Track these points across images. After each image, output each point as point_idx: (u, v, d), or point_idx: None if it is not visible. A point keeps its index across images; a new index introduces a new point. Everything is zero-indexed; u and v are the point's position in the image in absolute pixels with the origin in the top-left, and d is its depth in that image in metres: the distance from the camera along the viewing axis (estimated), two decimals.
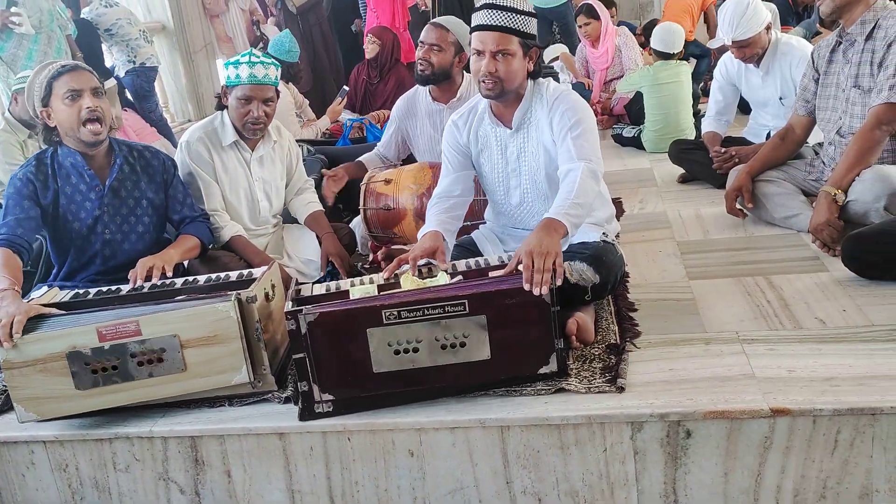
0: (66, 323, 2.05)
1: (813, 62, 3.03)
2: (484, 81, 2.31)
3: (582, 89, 5.80)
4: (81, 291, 2.33)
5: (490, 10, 2.26)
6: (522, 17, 2.28)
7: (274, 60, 2.91)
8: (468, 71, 3.25)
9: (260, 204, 3.03)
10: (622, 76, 5.66)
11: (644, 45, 6.45)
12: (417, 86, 3.41)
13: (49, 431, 2.16)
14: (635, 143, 4.93)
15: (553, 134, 2.36)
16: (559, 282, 1.95)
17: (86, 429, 2.15)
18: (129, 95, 5.58)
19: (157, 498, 2.19)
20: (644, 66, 5.34)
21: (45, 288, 2.39)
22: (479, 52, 2.30)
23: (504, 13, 2.26)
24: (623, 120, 5.33)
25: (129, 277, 2.37)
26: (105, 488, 2.20)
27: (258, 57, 2.84)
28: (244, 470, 2.12)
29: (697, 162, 3.87)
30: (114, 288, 2.34)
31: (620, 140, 5.07)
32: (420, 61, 3.21)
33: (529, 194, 2.49)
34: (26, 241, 2.39)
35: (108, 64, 5.63)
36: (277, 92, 2.93)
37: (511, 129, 2.43)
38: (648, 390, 1.95)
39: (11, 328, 1.99)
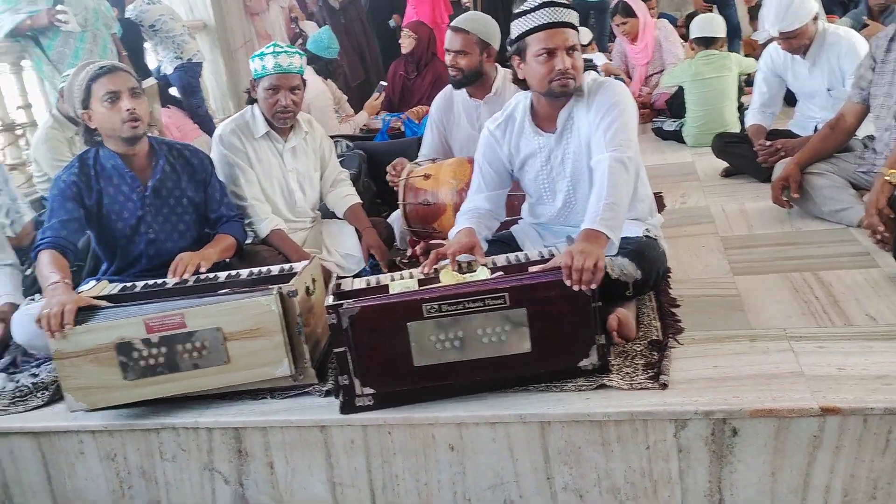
0: (115, 315, 2.10)
1: (871, 51, 2.97)
2: (560, 79, 2.24)
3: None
4: (129, 284, 2.37)
5: (553, 8, 2.22)
6: (574, 12, 2.28)
7: (297, 49, 2.96)
8: (501, 64, 3.26)
9: (295, 194, 3.07)
10: (663, 71, 5.57)
11: (686, 37, 6.34)
12: None
13: (98, 421, 2.21)
14: (676, 136, 4.86)
15: (591, 126, 2.31)
16: (594, 285, 1.92)
17: (133, 419, 2.20)
18: (173, 92, 5.67)
19: (202, 488, 2.22)
20: (686, 59, 5.25)
21: (93, 282, 2.44)
22: (549, 51, 2.22)
23: (565, 9, 2.23)
24: (664, 113, 5.25)
25: (169, 272, 2.41)
26: (152, 478, 2.24)
27: (282, 47, 2.89)
28: (286, 461, 2.15)
29: (741, 155, 3.79)
30: (160, 281, 2.38)
31: (661, 134, 5.00)
32: (450, 68, 3.19)
33: (575, 196, 2.44)
34: (71, 242, 2.44)
35: (150, 63, 5.72)
36: (303, 80, 2.97)
37: (555, 133, 2.38)
38: (692, 387, 1.92)
39: (62, 318, 2.04)
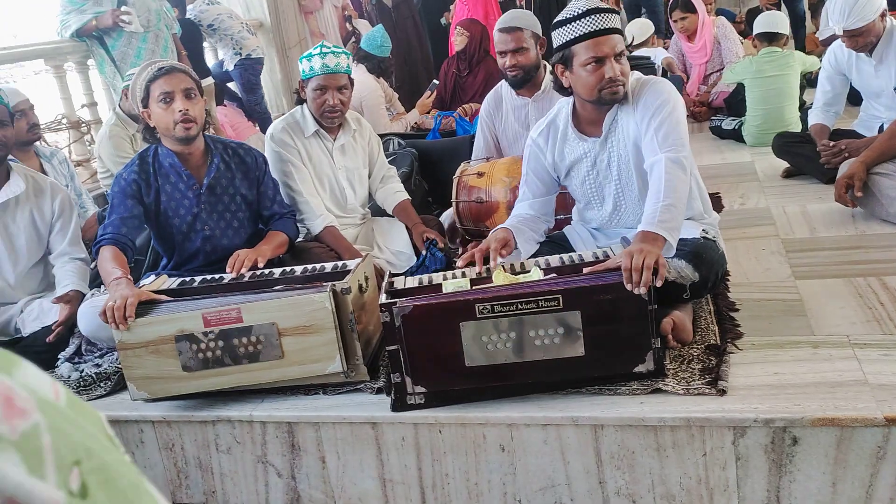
0: (175, 308, 2.15)
1: None
2: (610, 87, 2.20)
3: (679, 83, 5.61)
4: (188, 279, 2.43)
5: (599, 15, 2.17)
6: (617, 16, 2.24)
7: (344, 49, 3.00)
8: (544, 58, 3.23)
9: (345, 192, 3.10)
10: (722, 69, 5.45)
11: (744, 33, 6.19)
12: (502, 81, 3.38)
13: (157, 412, 2.27)
14: (735, 135, 4.75)
15: (638, 126, 2.27)
16: (659, 283, 1.89)
17: (191, 410, 2.25)
18: (233, 89, 5.77)
19: (255, 480, 2.26)
20: (747, 56, 5.13)
21: (153, 276, 2.50)
22: (598, 60, 2.18)
23: (609, 14, 2.19)
24: (722, 112, 5.14)
25: (227, 266, 2.46)
26: (208, 468, 2.29)
27: (329, 48, 2.93)
28: (338, 457, 2.17)
29: (804, 156, 3.69)
30: (217, 276, 2.43)
31: (719, 132, 4.89)
32: (510, 69, 3.14)
33: (624, 198, 2.40)
34: (130, 239, 2.51)
35: (209, 63, 5.83)
36: (351, 80, 3.01)
37: (599, 137, 2.34)
38: (752, 394, 1.88)
39: (125, 311, 2.09)
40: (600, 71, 2.19)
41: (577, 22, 2.19)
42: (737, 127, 4.73)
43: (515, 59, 3.11)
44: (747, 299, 2.42)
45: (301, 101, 3.06)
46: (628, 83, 2.26)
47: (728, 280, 2.54)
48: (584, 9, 2.20)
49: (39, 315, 2.73)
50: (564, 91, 2.34)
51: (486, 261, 2.20)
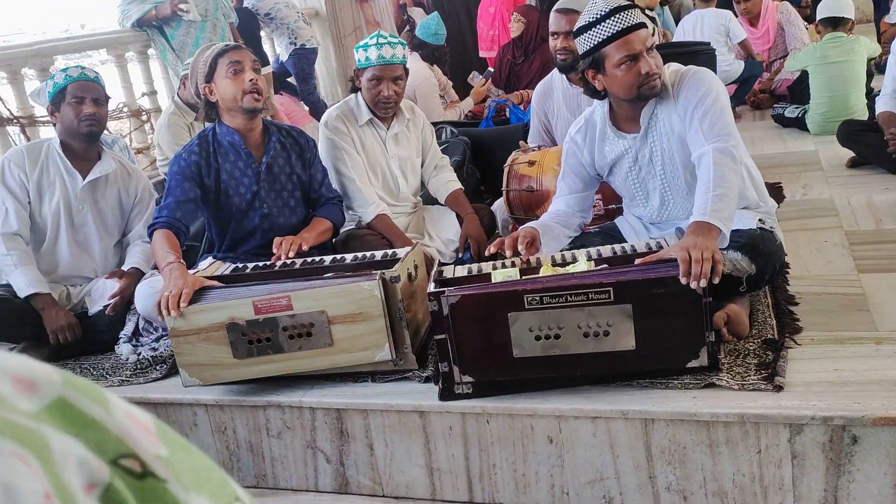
0: (226, 295, 2.18)
1: None
2: (648, 82, 2.15)
3: (759, 69, 5.42)
4: (240, 266, 2.46)
5: (622, 13, 2.13)
6: (639, 9, 2.20)
7: (400, 40, 2.99)
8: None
9: (398, 180, 3.11)
10: (786, 56, 5.27)
11: (810, 18, 5.98)
12: (554, 70, 3.33)
13: (210, 396, 2.31)
14: (798, 123, 4.59)
15: (682, 119, 2.21)
16: (716, 280, 1.83)
17: (243, 395, 2.28)
18: (288, 79, 5.83)
19: (305, 465, 2.29)
20: (811, 42, 4.95)
21: (210, 259, 2.55)
22: (632, 57, 2.13)
23: (632, 10, 2.15)
24: (785, 99, 4.97)
25: (273, 248, 2.51)
26: (259, 452, 2.33)
27: (385, 38, 2.93)
28: (386, 444, 2.18)
29: (870, 144, 3.55)
30: (269, 263, 2.46)
31: (782, 121, 4.74)
32: (560, 52, 3.09)
33: (670, 193, 2.34)
34: (184, 223, 2.56)
35: (266, 52, 5.90)
36: (406, 69, 3.01)
37: (639, 133, 2.29)
38: (810, 391, 1.82)
39: (179, 300, 2.13)
40: (636, 68, 2.14)
41: (603, 24, 2.14)
42: (800, 115, 4.58)
43: (567, 43, 3.05)
44: (807, 293, 2.34)
45: (356, 90, 3.07)
46: (664, 74, 2.20)
47: (787, 272, 2.47)
48: (607, 9, 2.14)
49: (104, 294, 2.82)
50: (598, 95, 2.30)
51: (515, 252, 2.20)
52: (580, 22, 2.22)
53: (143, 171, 3.94)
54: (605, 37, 2.15)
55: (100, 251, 2.95)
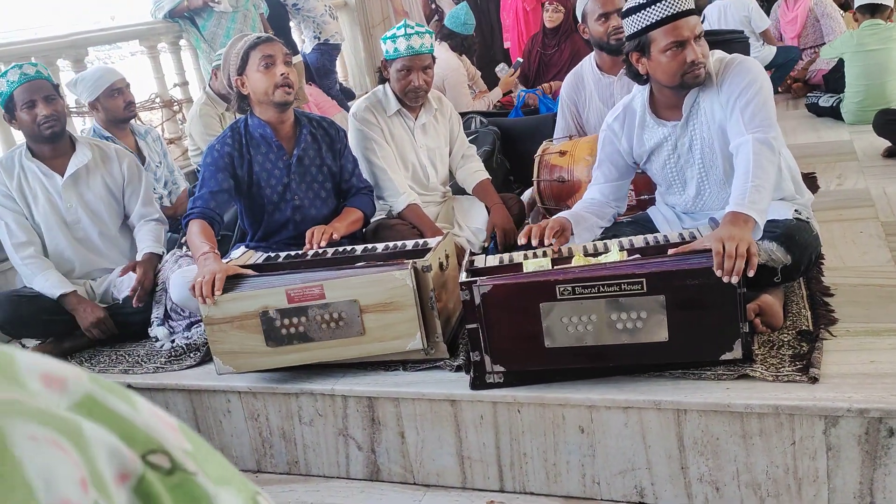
0: (259, 284, 2.21)
1: None
2: (692, 71, 2.12)
3: (796, 55, 5.32)
4: (272, 255, 2.49)
5: None
6: None
7: (427, 28, 2.99)
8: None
9: (427, 170, 3.12)
10: (818, 46, 5.18)
11: (845, 6, 5.87)
12: (584, 60, 3.30)
13: (243, 383, 2.34)
14: (833, 113, 4.52)
15: (724, 108, 2.17)
16: (751, 272, 1.81)
17: (275, 383, 2.31)
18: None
19: (336, 452, 2.32)
20: (848, 30, 4.86)
21: (242, 248, 2.58)
22: (679, 44, 2.10)
23: None
24: (820, 88, 4.89)
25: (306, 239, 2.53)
26: (291, 439, 2.36)
27: (412, 28, 2.93)
28: (417, 432, 2.19)
29: None
30: (301, 252, 2.48)
31: (816, 110, 4.67)
32: (615, 31, 3.01)
33: (707, 183, 2.32)
34: (218, 213, 2.59)
35: (295, 43, 5.92)
36: (433, 58, 3.02)
37: (680, 121, 2.26)
38: (845, 383, 1.80)
39: (213, 287, 2.16)
40: (682, 55, 2.11)
41: (653, 7, 2.11)
42: (835, 104, 4.51)
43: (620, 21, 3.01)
44: (843, 284, 2.31)
45: (383, 80, 3.08)
46: (709, 63, 2.17)
47: (822, 263, 2.44)
48: None
49: (131, 282, 2.85)
50: (640, 79, 2.27)
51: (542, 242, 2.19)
52: (630, 3, 2.19)
53: (175, 161, 4.00)
54: (653, 21, 2.12)
55: (104, 243, 2.92)
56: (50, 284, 2.73)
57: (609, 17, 3.04)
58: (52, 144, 2.81)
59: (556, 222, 2.24)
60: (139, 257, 2.86)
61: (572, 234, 2.28)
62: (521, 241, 2.23)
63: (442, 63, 4.67)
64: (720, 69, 2.19)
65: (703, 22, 5.75)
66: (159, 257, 2.88)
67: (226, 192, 2.62)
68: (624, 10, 2.22)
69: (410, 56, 2.91)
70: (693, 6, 2.12)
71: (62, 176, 2.82)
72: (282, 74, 2.54)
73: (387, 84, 3.06)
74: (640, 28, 2.15)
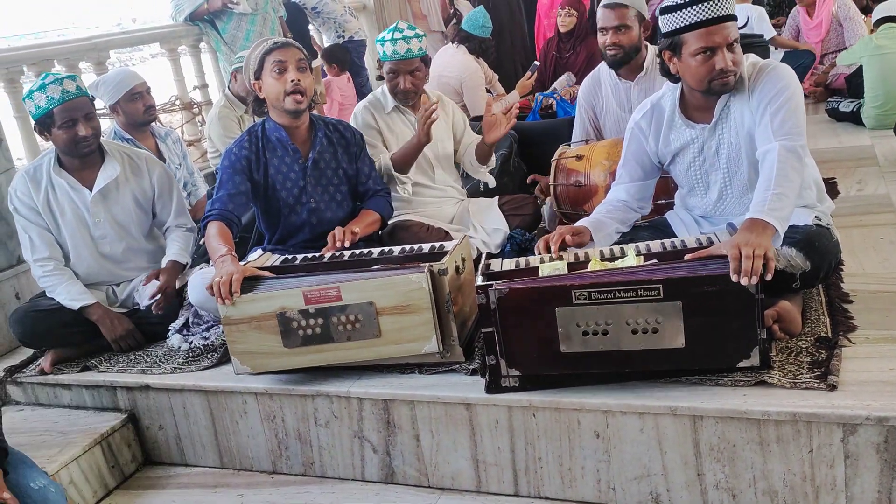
0: (277, 285, 2.22)
1: None
2: (721, 78, 2.10)
3: (810, 59, 5.28)
4: (290, 257, 2.51)
5: (713, 3, 2.05)
6: (733, 1, 2.10)
7: (417, 32, 3.02)
8: (650, 42, 3.11)
9: (431, 161, 3.15)
10: (840, 50, 5.13)
11: (865, 9, 5.82)
12: (601, 63, 3.30)
13: (260, 384, 2.36)
14: (853, 118, 4.48)
15: (753, 114, 2.15)
16: (768, 277, 1.80)
17: (292, 384, 2.33)
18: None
19: (352, 454, 2.33)
20: (867, 35, 4.82)
21: (259, 251, 2.60)
22: (710, 50, 2.07)
23: (726, 1, 2.06)
24: (840, 93, 4.85)
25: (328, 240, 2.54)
26: (307, 440, 2.37)
27: (401, 32, 2.98)
28: (432, 436, 2.20)
29: None
30: (317, 255, 2.49)
31: (836, 115, 4.63)
32: (610, 47, 3.06)
33: (730, 188, 2.30)
34: (236, 215, 2.60)
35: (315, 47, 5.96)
36: (426, 59, 3.07)
37: (709, 124, 2.24)
38: (864, 390, 1.78)
39: (231, 287, 2.18)
40: (711, 62, 2.09)
41: (689, 9, 2.07)
42: (855, 109, 4.47)
43: (616, 38, 3.02)
44: (862, 291, 2.29)
45: (382, 78, 3.15)
46: (741, 70, 2.14)
47: (842, 270, 2.42)
48: None
49: (153, 290, 2.87)
50: (671, 77, 2.25)
51: (562, 247, 2.19)
52: (667, 1, 2.16)
53: (195, 163, 4.03)
54: (687, 23, 2.09)
55: (129, 255, 2.90)
56: (70, 297, 2.73)
57: (605, 31, 3.06)
58: (84, 158, 2.78)
59: (573, 230, 2.23)
60: (163, 265, 2.84)
61: (591, 240, 2.27)
62: (539, 251, 2.22)
63: (459, 66, 4.68)
64: (753, 74, 2.16)
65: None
66: (183, 266, 2.88)
67: (243, 195, 2.64)
68: (661, 7, 2.20)
69: (397, 60, 2.97)
70: (731, 12, 2.09)
71: (90, 190, 2.78)
72: (293, 81, 2.56)
73: (384, 83, 3.12)
74: (673, 28, 2.13)
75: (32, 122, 2.76)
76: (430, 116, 2.84)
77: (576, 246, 2.21)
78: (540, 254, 2.21)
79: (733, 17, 2.09)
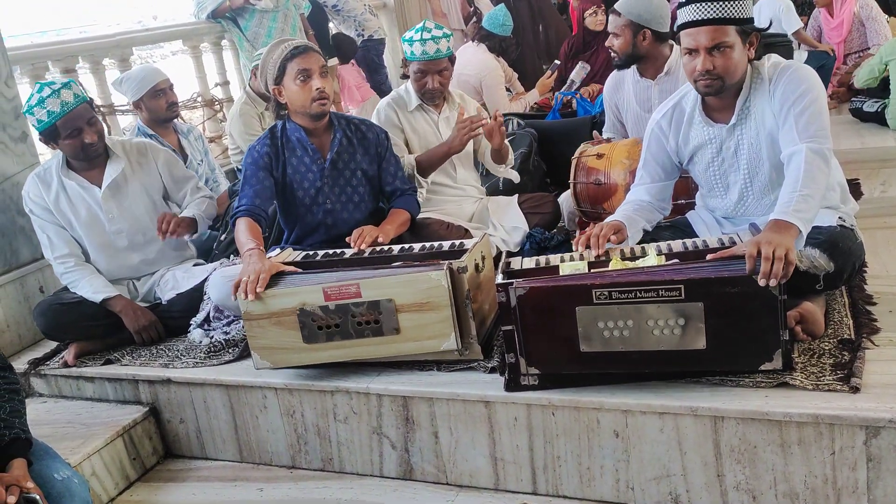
0: (298, 281, 2.23)
1: None
2: (700, 80, 2.12)
3: (830, 60, 5.23)
4: (311, 253, 2.52)
5: (700, 4, 2.06)
6: (736, 1, 2.07)
7: (445, 32, 3.02)
8: (678, 43, 3.10)
9: (453, 161, 3.14)
10: (863, 51, 5.07)
11: (891, 11, 5.75)
12: None
13: (280, 379, 2.38)
14: (877, 118, 4.42)
15: (776, 116, 2.14)
16: (784, 279, 1.79)
17: (311, 380, 2.34)
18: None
19: (370, 450, 2.34)
20: (894, 37, 4.76)
21: (278, 249, 2.61)
22: (691, 51, 2.11)
23: (715, 3, 2.05)
24: (863, 93, 4.79)
25: (350, 241, 2.53)
26: (326, 436, 2.39)
27: (430, 32, 2.97)
28: (450, 433, 2.20)
29: None
30: (338, 251, 2.50)
31: (860, 115, 4.57)
32: (610, 50, 3.15)
33: (751, 189, 2.28)
34: (263, 210, 2.62)
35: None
36: (453, 59, 3.07)
37: (728, 124, 2.23)
38: (888, 393, 1.77)
39: (257, 283, 2.19)
40: (692, 63, 2.11)
41: (686, 7, 2.11)
42: (879, 109, 4.41)
43: (610, 42, 3.11)
44: (886, 293, 2.27)
45: (406, 77, 3.15)
46: (733, 75, 2.11)
47: (865, 272, 2.40)
48: None
49: (174, 285, 2.89)
50: None
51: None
52: None
53: (216, 160, 4.05)
54: (681, 21, 2.13)
55: (147, 248, 2.92)
56: (93, 290, 2.77)
57: (607, 34, 3.13)
58: (92, 160, 2.81)
59: (610, 227, 2.21)
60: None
61: (626, 236, 2.26)
62: (579, 249, 2.18)
63: (479, 64, 4.68)
64: (775, 75, 2.15)
65: None
66: (196, 224, 2.89)
67: (268, 190, 2.67)
68: (678, 2, 2.21)
69: (426, 61, 2.98)
70: (721, 15, 2.06)
71: (100, 187, 2.81)
72: (317, 89, 2.57)
73: (409, 81, 3.12)
74: (676, 26, 2.17)
75: (37, 135, 2.78)
76: (474, 129, 2.85)
77: (617, 244, 2.20)
78: (579, 250, 2.18)
79: (720, 21, 2.07)
